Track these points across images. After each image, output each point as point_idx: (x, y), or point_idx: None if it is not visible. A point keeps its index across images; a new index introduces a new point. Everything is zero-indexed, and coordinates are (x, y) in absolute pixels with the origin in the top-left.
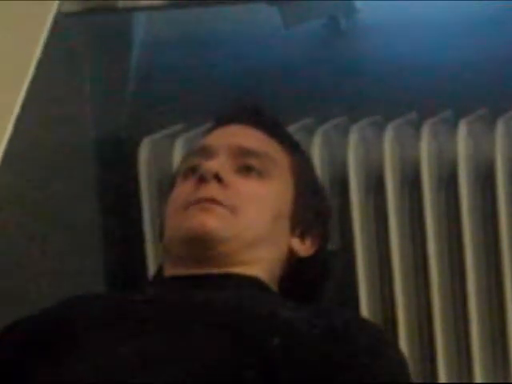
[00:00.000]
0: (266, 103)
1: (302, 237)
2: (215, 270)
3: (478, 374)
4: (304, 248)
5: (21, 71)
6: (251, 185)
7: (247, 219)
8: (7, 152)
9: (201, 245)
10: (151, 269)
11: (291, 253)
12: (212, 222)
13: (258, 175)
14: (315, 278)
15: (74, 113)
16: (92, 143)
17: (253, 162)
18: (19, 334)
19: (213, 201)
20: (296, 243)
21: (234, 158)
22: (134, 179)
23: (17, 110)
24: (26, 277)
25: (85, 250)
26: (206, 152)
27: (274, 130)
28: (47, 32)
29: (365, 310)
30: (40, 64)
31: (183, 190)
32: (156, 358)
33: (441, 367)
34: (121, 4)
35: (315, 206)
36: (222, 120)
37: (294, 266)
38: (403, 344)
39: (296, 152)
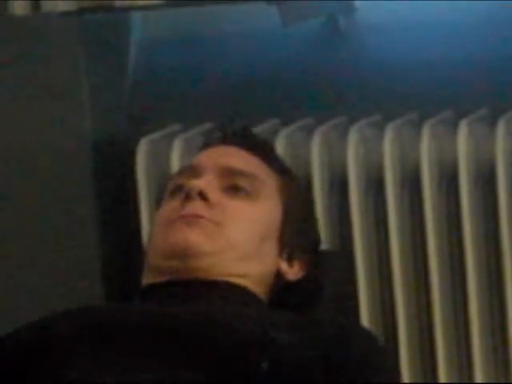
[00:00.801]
0: (264, 103)
1: (289, 260)
2: (199, 277)
3: (479, 374)
4: (292, 272)
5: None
6: (238, 204)
7: (232, 235)
8: (2, 151)
9: (183, 258)
10: None
11: (279, 275)
12: (195, 235)
13: (246, 195)
14: (303, 302)
15: (71, 113)
16: (89, 144)
17: (241, 182)
18: (9, 347)
19: (197, 216)
20: (284, 266)
21: (221, 178)
22: (132, 180)
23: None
24: (22, 280)
25: (81, 253)
26: (194, 171)
27: (264, 151)
28: None
29: (364, 311)
30: (37, 63)
31: (169, 207)
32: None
33: (441, 367)
34: (117, 3)
35: (304, 229)
36: (212, 141)
37: (282, 289)
38: (403, 345)
39: (285, 174)
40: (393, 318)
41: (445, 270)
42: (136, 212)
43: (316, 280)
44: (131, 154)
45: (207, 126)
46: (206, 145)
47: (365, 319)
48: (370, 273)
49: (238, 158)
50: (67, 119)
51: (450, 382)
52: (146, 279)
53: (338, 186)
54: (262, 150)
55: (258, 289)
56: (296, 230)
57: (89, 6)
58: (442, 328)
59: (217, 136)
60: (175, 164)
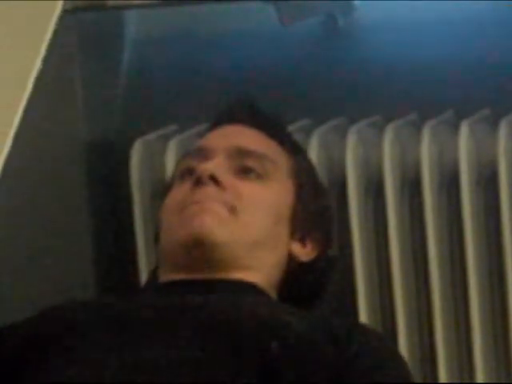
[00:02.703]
0: (261, 103)
1: (302, 241)
2: (213, 276)
3: (480, 374)
4: (305, 252)
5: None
6: (250, 186)
7: (247, 221)
8: None
9: (199, 249)
10: (143, 273)
11: (291, 257)
12: (210, 221)
13: (257, 177)
14: (316, 282)
15: (64, 114)
16: (83, 145)
17: (251, 163)
18: (5, 342)
19: (210, 200)
20: (296, 247)
21: (231, 160)
22: (126, 182)
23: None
24: (16, 281)
25: (76, 254)
26: (203, 153)
27: (274, 130)
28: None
29: (363, 315)
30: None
31: (179, 191)
32: (152, 365)
33: (441, 368)
34: (112, 2)
35: (316, 209)
36: (220, 120)
37: (294, 271)
38: (403, 347)
39: (297, 153)
40: (392, 322)
41: (446, 272)
42: (130, 214)
43: (329, 259)
44: (125, 156)
45: (204, 126)
46: (215, 124)
47: (364, 319)
48: (370, 276)
49: (248, 138)
50: (60, 119)
51: (451, 382)
52: (164, 274)
53: (337, 188)
54: (273, 128)
55: (271, 282)
56: (308, 209)
57: (83, 5)
58: (443, 331)
59: (224, 114)
60: (171, 166)
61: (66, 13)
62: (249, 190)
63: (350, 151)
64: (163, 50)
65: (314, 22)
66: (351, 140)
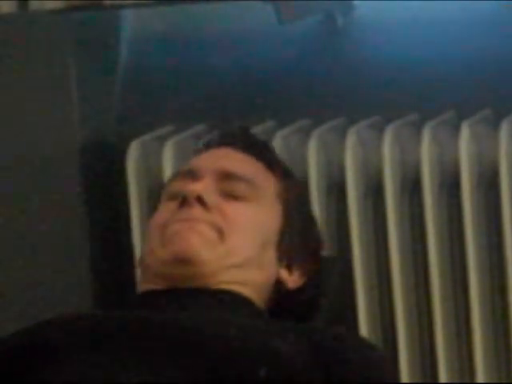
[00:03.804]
0: (259, 104)
1: (289, 267)
2: (197, 284)
3: (480, 374)
4: (292, 280)
5: None
6: (237, 208)
7: (234, 245)
8: None
9: (183, 266)
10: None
11: (279, 283)
12: (196, 242)
13: (244, 199)
14: (303, 310)
15: (59, 114)
16: (78, 146)
17: (238, 187)
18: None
19: (194, 220)
20: (284, 273)
21: (219, 182)
22: (123, 183)
23: None
24: (10, 287)
25: (72, 257)
26: (191, 175)
27: (264, 154)
28: None
29: (363, 319)
30: (24, 63)
31: (165, 209)
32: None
33: (441, 367)
34: (107, 2)
35: (304, 235)
36: (210, 143)
37: (282, 297)
38: (403, 348)
39: (286, 178)
40: (392, 323)
41: (446, 274)
42: (126, 217)
43: (317, 288)
44: (121, 157)
45: (200, 127)
46: (204, 146)
47: (363, 325)
48: (369, 280)
49: (235, 162)
50: (54, 120)
51: (451, 382)
52: (144, 284)
53: (336, 190)
54: (262, 152)
55: (258, 297)
56: (296, 236)
57: (78, 4)
58: (443, 333)
59: (215, 137)
60: (167, 167)
61: (61, 12)
62: (235, 211)
63: (350, 152)
64: (160, 50)
65: (312, 22)
66: (350, 141)
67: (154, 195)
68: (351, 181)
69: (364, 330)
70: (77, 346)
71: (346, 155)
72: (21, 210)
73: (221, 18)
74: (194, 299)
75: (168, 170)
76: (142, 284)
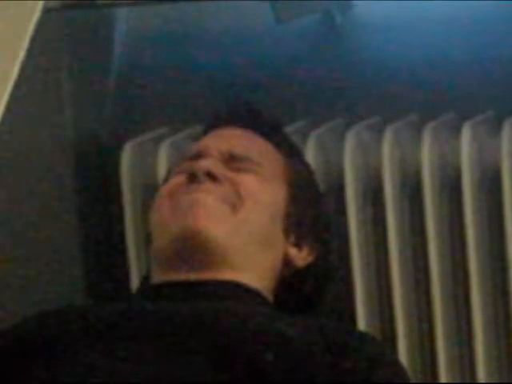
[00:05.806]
0: (256, 103)
1: (297, 244)
2: (205, 276)
3: (481, 375)
4: (301, 257)
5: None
6: (248, 178)
7: (246, 218)
8: None
9: (193, 242)
10: (134, 278)
11: (287, 261)
12: (205, 216)
13: (253, 171)
14: (313, 289)
15: (51, 115)
16: (72, 147)
17: (246, 165)
18: None
19: (207, 195)
20: (292, 251)
21: (226, 163)
22: (116, 186)
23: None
24: (2, 287)
25: (64, 259)
26: (198, 155)
27: (271, 132)
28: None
29: (362, 323)
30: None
31: (174, 182)
32: (140, 375)
33: (442, 367)
34: (101, 0)
35: (312, 213)
36: (217, 122)
37: (291, 277)
38: (403, 350)
39: (293, 156)
40: (392, 326)
41: (447, 277)
42: (120, 219)
43: (327, 264)
44: (115, 159)
45: (196, 128)
46: (211, 126)
47: (363, 325)
48: (368, 284)
49: (242, 142)
50: (47, 120)
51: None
52: (155, 275)
53: (335, 192)
54: (270, 130)
55: (267, 286)
56: (303, 213)
57: (71, 3)
58: (443, 334)
59: (222, 114)
60: (162, 168)
61: (54, 11)
62: (246, 181)
63: (349, 154)
64: (154, 50)
65: (310, 21)
66: (349, 142)
67: (149, 197)
68: (350, 183)
69: (363, 329)
70: (75, 339)
71: (344, 157)
72: (13, 210)
73: (217, 17)
74: (201, 292)
75: (163, 172)
76: (153, 272)
